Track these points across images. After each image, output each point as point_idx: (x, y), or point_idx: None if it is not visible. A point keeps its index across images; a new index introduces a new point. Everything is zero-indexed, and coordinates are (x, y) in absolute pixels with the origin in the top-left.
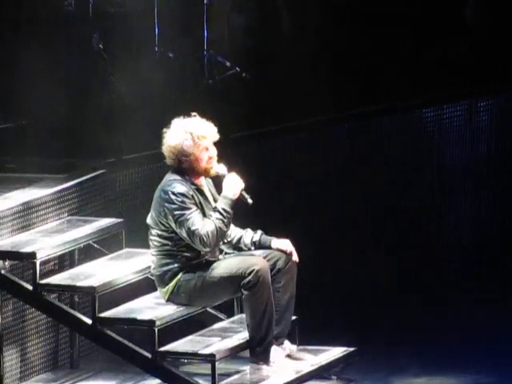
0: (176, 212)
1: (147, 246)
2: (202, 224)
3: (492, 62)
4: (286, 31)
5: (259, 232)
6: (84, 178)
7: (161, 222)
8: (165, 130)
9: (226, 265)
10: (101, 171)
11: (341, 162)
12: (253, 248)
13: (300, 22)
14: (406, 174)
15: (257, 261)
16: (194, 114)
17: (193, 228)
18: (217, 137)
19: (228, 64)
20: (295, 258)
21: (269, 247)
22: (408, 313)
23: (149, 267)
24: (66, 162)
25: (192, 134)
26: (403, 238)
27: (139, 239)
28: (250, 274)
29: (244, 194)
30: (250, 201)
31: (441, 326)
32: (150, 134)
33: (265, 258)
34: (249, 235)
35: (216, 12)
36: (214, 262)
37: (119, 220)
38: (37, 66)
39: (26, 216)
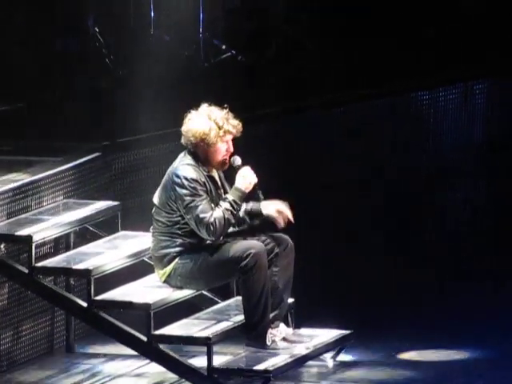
0: (187, 197)
1: (143, 229)
2: (211, 213)
3: (487, 44)
4: (281, 13)
5: (251, 202)
6: (80, 160)
7: (169, 205)
8: (191, 111)
9: (222, 248)
10: (97, 154)
11: (337, 145)
12: (247, 218)
13: (295, 2)
14: (402, 157)
15: (253, 244)
16: (225, 105)
17: (201, 215)
18: (240, 134)
19: (223, 47)
20: (289, 216)
21: (261, 214)
22: (406, 294)
23: (144, 250)
24: (62, 144)
25: (220, 126)
26: (400, 222)
27: (135, 222)
28: (246, 257)
29: (257, 189)
30: (261, 197)
31: (439, 307)
32: (146, 117)
33: (263, 241)
34: (242, 208)
35: None
36: (212, 245)
37: (115, 203)
38: (33, 50)
39: (21, 199)
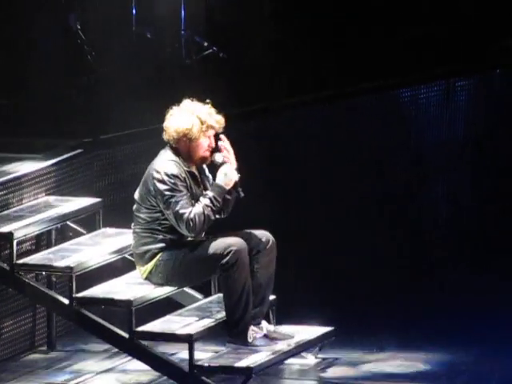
0: (167, 193)
1: (125, 226)
2: (190, 209)
3: (468, 41)
4: (263, 10)
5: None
6: (62, 157)
7: (149, 201)
8: (173, 107)
9: (204, 245)
10: (78, 151)
11: (318, 142)
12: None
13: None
14: (383, 155)
15: (235, 241)
16: (208, 101)
17: (181, 211)
18: (222, 130)
19: (205, 44)
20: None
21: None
22: (385, 290)
23: (126, 247)
24: (43, 141)
25: (202, 121)
26: (382, 217)
27: (116, 219)
28: (227, 254)
29: (237, 186)
30: (241, 194)
31: (419, 303)
32: (128, 114)
33: (245, 238)
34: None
35: None
36: (194, 242)
37: (97, 200)
38: (13, 47)
39: (3, 196)
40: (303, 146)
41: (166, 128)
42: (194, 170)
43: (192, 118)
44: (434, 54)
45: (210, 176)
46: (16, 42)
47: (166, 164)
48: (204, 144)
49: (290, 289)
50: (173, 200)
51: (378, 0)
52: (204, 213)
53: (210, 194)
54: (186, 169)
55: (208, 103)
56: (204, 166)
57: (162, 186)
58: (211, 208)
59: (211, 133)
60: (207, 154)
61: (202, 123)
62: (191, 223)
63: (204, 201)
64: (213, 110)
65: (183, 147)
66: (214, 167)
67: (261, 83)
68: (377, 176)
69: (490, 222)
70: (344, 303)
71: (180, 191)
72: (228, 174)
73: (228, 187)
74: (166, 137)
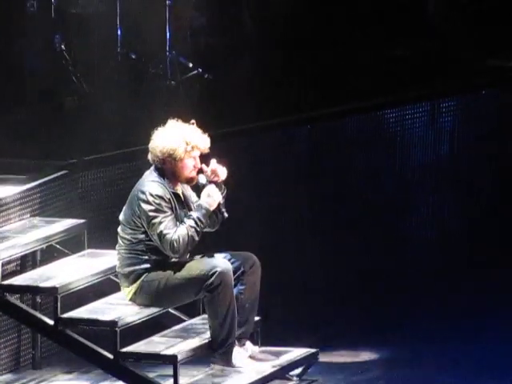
0: (151, 213)
1: (109, 247)
2: (175, 230)
3: (454, 62)
4: (248, 31)
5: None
6: (46, 178)
7: (134, 221)
8: (159, 128)
9: (188, 266)
10: (63, 172)
11: (303, 162)
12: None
13: (262, 20)
14: (369, 174)
15: (219, 262)
16: (192, 121)
17: (164, 232)
18: (207, 150)
19: (190, 65)
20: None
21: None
22: (370, 311)
23: (111, 268)
24: (28, 162)
25: (188, 142)
26: (366, 236)
27: (101, 240)
28: (212, 275)
29: (221, 207)
30: (225, 215)
31: (403, 324)
32: (113, 135)
33: (229, 260)
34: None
35: (178, 13)
36: (178, 262)
37: (81, 221)
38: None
39: None
40: (286, 168)
41: (152, 149)
42: (178, 191)
43: (177, 138)
44: (419, 74)
45: (194, 194)
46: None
47: (150, 185)
48: (189, 164)
49: (274, 310)
50: (157, 221)
51: (365, 20)
52: (188, 234)
53: (194, 214)
54: (170, 190)
55: (193, 123)
56: (188, 187)
57: (146, 207)
58: (195, 229)
59: (196, 153)
60: (193, 174)
61: (187, 144)
62: (175, 244)
63: (188, 222)
64: (198, 131)
65: (168, 168)
66: (199, 188)
67: (245, 104)
68: (361, 195)
69: (476, 244)
70: (329, 324)
71: (164, 212)
72: (211, 195)
73: (212, 208)
74: (151, 157)
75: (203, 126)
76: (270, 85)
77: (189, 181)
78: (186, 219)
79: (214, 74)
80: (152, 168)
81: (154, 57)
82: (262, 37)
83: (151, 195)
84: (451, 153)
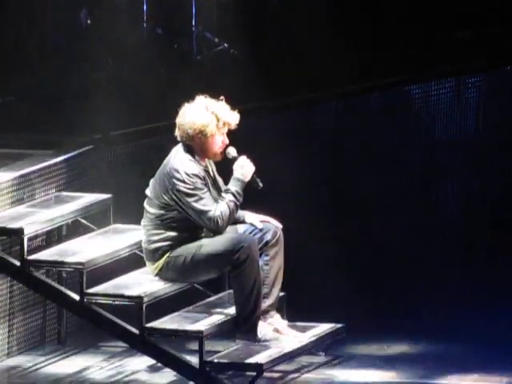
0: (189, 191)
1: (135, 222)
2: (215, 206)
3: (479, 38)
4: (274, 6)
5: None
6: (72, 153)
7: (164, 198)
8: (186, 104)
9: (214, 242)
10: (88, 147)
11: (329, 139)
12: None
13: None
14: (395, 151)
15: (245, 238)
16: (221, 97)
17: (205, 208)
18: (236, 126)
19: (216, 40)
20: (279, 225)
21: (243, 222)
22: (396, 288)
23: (137, 243)
24: (53, 137)
25: (219, 118)
26: (392, 214)
27: (127, 215)
28: (238, 250)
29: (255, 177)
30: (260, 184)
31: (430, 301)
32: (138, 110)
33: (252, 231)
34: None
35: None
36: (204, 238)
37: (107, 196)
38: (24, 42)
39: (13, 192)
40: (316, 142)
41: (180, 125)
42: (208, 167)
43: (208, 114)
44: (444, 50)
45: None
46: (26, 39)
47: (185, 163)
48: (218, 141)
49: (301, 285)
50: (196, 199)
51: None
52: (229, 208)
53: (232, 188)
54: (202, 167)
55: (222, 100)
56: (212, 162)
57: (183, 186)
58: (234, 203)
59: (226, 129)
60: (220, 150)
61: (218, 120)
62: (219, 220)
63: (227, 196)
64: (227, 107)
65: (197, 144)
66: (230, 161)
67: (273, 79)
68: (387, 172)
69: (499, 222)
70: (355, 299)
71: (201, 189)
72: (245, 166)
73: (247, 179)
74: (179, 133)
75: (229, 102)
76: (296, 60)
77: (217, 157)
78: (224, 194)
79: (240, 49)
80: (180, 145)
81: (180, 32)
82: (288, 11)
83: (186, 174)
84: (477, 129)
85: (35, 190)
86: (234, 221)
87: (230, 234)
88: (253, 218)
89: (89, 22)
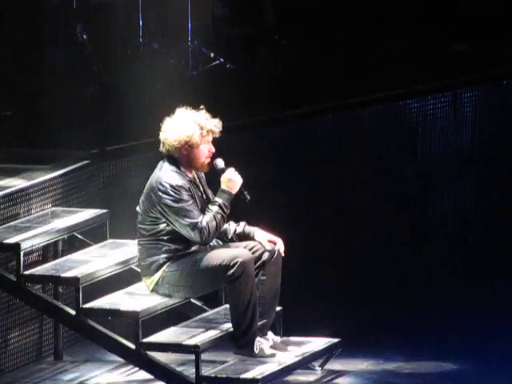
0: (174, 204)
1: (131, 237)
2: (202, 217)
3: (476, 52)
4: (269, 21)
5: (242, 224)
6: (68, 168)
7: (152, 212)
8: (167, 118)
9: (210, 256)
10: (85, 162)
11: (325, 152)
12: (236, 240)
13: (284, 10)
14: (391, 165)
15: (241, 253)
16: (201, 107)
17: (192, 221)
18: (219, 133)
19: (212, 55)
20: (282, 251)
21: (252, 238)
22: (394, 302)
23: (133, 258)
24: (50, 152)
25: (202, 126)
26: (388, 227)
27: (123, 230)
28: (233, 265)
29: (243, 189)
30: (248, 197)
31: (428, 315)
32: (135, 125)
33: (250, 249)
34: (232, 228)
35: (200, 2)
36: (200, 252)
37: (103, 211)
38: (21, 57)
39: (10, 207)
40: (311, 157)
41: (165, 139)
42: (194, 178)
43: (191, 124)
44: (441, 65)
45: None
46: (24, 53)
47: (169, 176)
48: (205, 150)
49: (296, 300)
50: (181, 211)
51: (386, 11)
52: (216, 220)
53: (219, 200)
54: (188, 179)
55: (202, 109)
56: (202, 174)
57: (168, 198)
58: (221, 215)
59: (210, 138)
60: (208, 160)
61: (202, 128)
62: (204, 231)
63: (214, 208)
64: (208, 115)
65: (184, 156)
66: (217, 173)
67: (268, 94)
68: (383, 185)
69: (493, 233)
70: (351, 314)
71: (187, 201)
72: (233, 179)
73: (234, 191)
74: (164, 148)
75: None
76: (291, 74)
77: (204, 167)
78: (210, 206)
79: (236, 64)
80: (165, 159)
81: (176, 47)
82: (283, 26)
83: (171, 186)
84: (472, 143)
85: (31, 204)
86: (243, 236)
87: (226, 248)
88: (261, 236)
89: (85, 37)
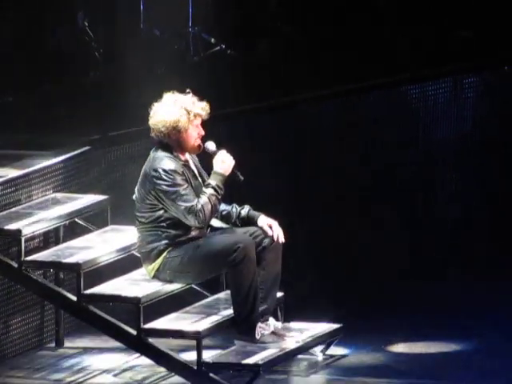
0: (169, 189)
1: (133, 223)
2: (197, 200)
3: (477, 38)
4: (271, 7)
5: (246, 208)
6: (69, 154)
7: (148, 199)
8: (155, 104)
9: (211, 242)
10: (86, 148)
11: (327, 138)
12: (239, 223)
13: None
14: (392, 151)
15: (242, 238)
16: (188, 90)
17: (188, 205)
18: (208, 116)
19: (213, 41)
20: (281, 239)
21: (255, 223)
22: (395, 287)
23: (134, 244)
24: (51, 138)
25: (189, 110)
26: (390, 213)
27: (124, 216)
28: (235, 251)
29: (235, 170)
30: (241, 177)
31: (430, 299)
32: (136, 111)
33: (251, 235)
34: (235, 211)
35: None
36: (201, 238)
37: (104, 197)
38: (23, 43)
39: (11, 193)
40: (314, 142)
41: (153, 125)
42: (188, 162)
43: (177, 109)
44: (442, 50)
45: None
46: (25, 40)
47: (162, 161)
48: (193, 133)
49: (297, 285)
50: (176, 195)
51: None
52: (211, 202)
53: (212, 182)
54: (181, 162)
55: (189, 92)
56: (195, 157)
57: (162, 184)
58: (216, 196)
59: (198, 121)
60: (198, 142)
61: (189, 112)
62: (200, 214)
63: (208, 191)
64: (195, 99)
65: (174, 141)
66: (210, 156)
67: (269, 79)
68: (384, 171)
69: (496, 220)
70: (352, 299)
71: (181, 185)
72: (225, 161)
73: (227, 173)
74: (154, 134)
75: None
76: (293, 61)
77: (195, 150)
78: (205, 188)
79: (237, 50)
80: (157, 146)
81: (177, 33)
82: (285, 12)
83: (164, 171)
84: (473, 129)
85: (33, 191)
86: (247, 220)
87: (227, 234)
88: (264, 221)
89: (86, 23)
